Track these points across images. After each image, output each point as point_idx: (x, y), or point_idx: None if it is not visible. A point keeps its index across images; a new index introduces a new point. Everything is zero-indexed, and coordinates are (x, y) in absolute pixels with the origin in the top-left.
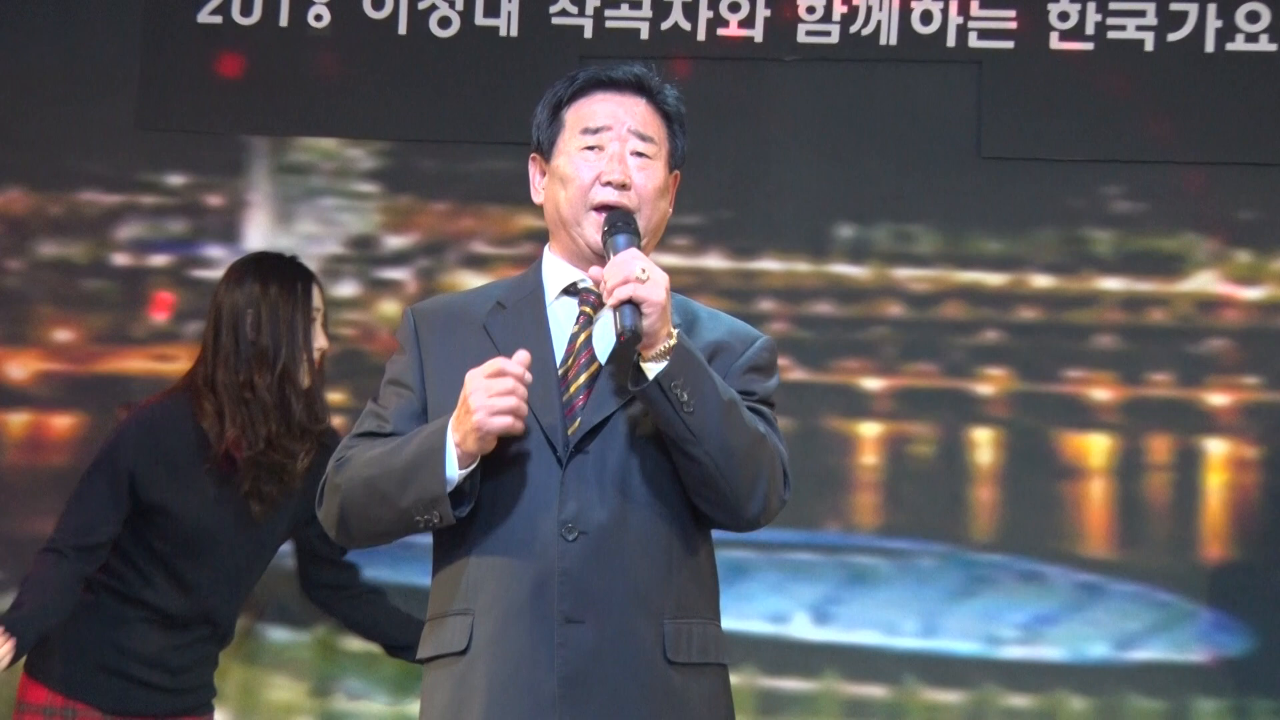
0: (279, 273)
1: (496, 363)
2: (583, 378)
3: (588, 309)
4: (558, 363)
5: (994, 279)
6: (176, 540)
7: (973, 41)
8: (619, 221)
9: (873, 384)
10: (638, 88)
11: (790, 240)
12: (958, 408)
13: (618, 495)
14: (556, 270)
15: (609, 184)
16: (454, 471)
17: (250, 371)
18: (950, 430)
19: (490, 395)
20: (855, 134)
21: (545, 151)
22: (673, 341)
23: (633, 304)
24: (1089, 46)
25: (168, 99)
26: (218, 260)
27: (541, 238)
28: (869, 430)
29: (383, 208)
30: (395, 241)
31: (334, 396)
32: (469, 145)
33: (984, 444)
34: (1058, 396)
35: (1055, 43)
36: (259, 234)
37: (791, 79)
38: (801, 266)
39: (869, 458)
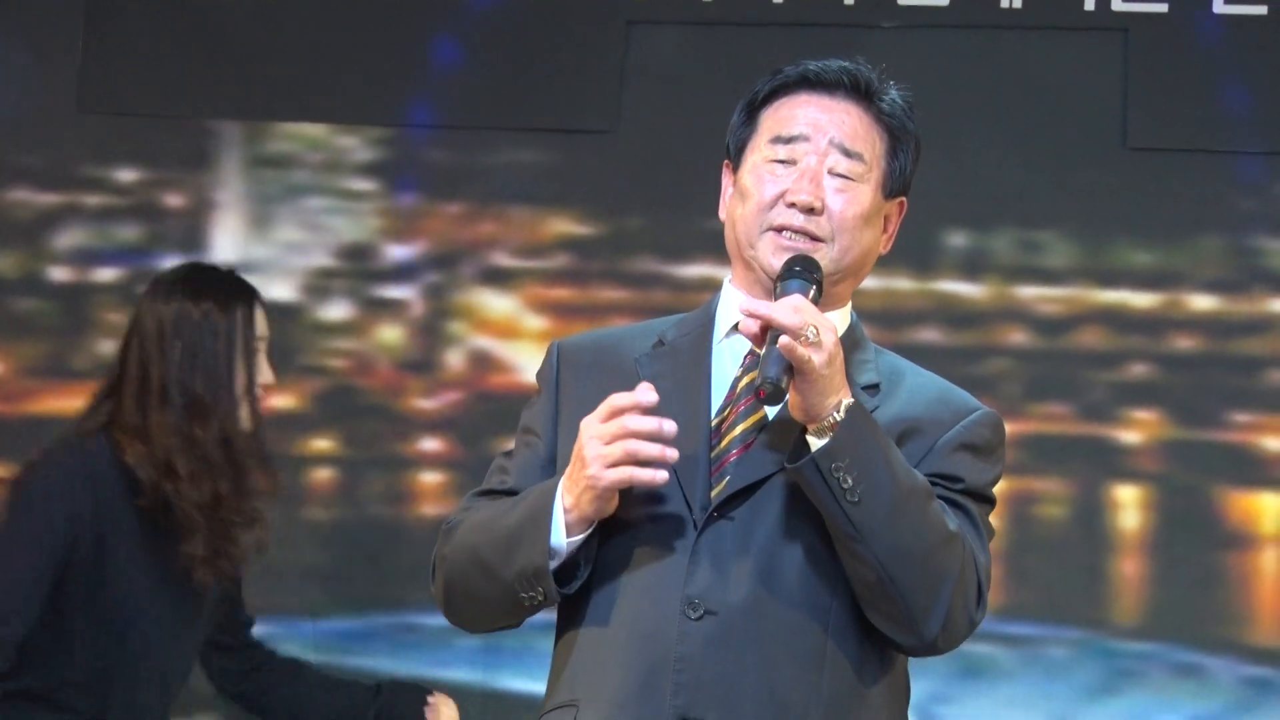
0: (214, 291)
1: (609, 402)
2: (740, 428)
3: (759, 349)
4: (713, 411)
5: (1143, 300)
6: (100, 620)
7: (1117, 4)
8: (798, 265)
9: None
10: (851, 89)
11: (888, 251)
12: (1097, 459)
13: (761, 573)
14: (731, 303)
15: (794, 205)
16: (560, 539)
17: (189, 422)
18: (1087, 487)
19: (605, 443)
20: (970, 119)
21: (735, 159)
22: (840, 415)
23: (783, 360)
24: (1262, 10)
25: (116, 76)
26: None
27: (580, 246)
28: None
29: (382, 210)
30: (397, 251)
31: (321, 443)
32: (489, 133)
33: (1129, 505)
34: (1222, 446)
35: (1220, 5)
36: (229, 242)
37: (891, 50)
38: (902, 284)
39: None
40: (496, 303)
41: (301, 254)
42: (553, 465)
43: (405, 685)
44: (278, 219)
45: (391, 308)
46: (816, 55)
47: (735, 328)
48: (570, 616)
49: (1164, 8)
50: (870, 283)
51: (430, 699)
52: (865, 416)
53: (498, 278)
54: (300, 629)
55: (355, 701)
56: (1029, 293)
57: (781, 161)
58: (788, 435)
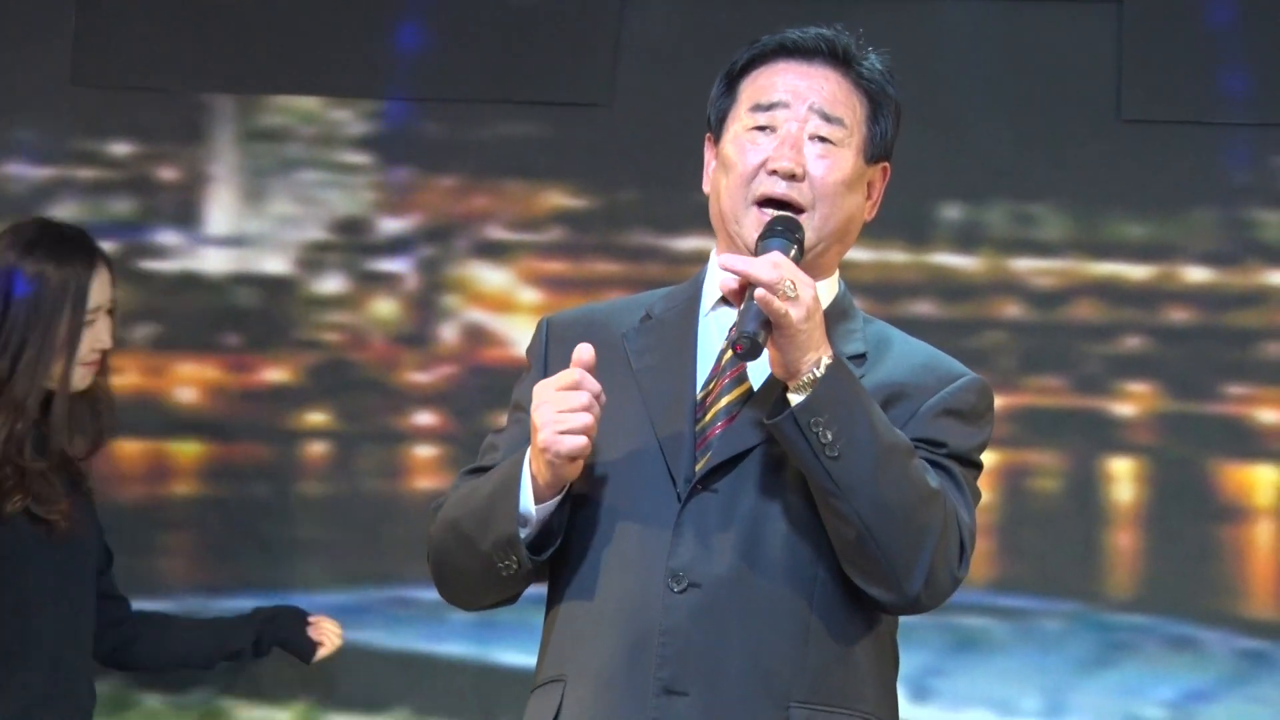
0: (54, 252)
1: (571, 372)
2: (724, 401)
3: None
4: (698, 384)
5: (1137, 272)
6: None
7: None
8: (779, 225)
9: None
10: (830, 56)
11: (882, 224)
12: (1091, 432)
13: (745, 545)
14: (718, 276)
15: (775, 172)
16: (528, 506)
17: (11, 376)
18: (1081, 460)
19: (559, 410)
20: (963, 91)
21: (716, 131)
22: (820, 371)
23: (761, 316)
24: None
25: (110, 49)
26: (172, 248)
27: (575, 219)
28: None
29: (376, 183)
30: (391, 225)
31: (316, 417)
32: (482, 105)
33: (1123, 477)
34: (1216, 418)
35: None
36: (223, 215)
37: (882, 23)
38: (896, 256)
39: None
40: (491, 276)
41: (295, 227)
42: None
43: (283, 610)
44: (271, 192)
45: (385, 281)
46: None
47: (722, 299)
48: (557, 591)
49: None
50: (864, 255)
51: (311, 619)
52: (846, 373)
53: (492, 251)
54: (295, 603)
55: (232, 633)
56: (1023, 265)
57: (762, 129)
58: (764, 407)
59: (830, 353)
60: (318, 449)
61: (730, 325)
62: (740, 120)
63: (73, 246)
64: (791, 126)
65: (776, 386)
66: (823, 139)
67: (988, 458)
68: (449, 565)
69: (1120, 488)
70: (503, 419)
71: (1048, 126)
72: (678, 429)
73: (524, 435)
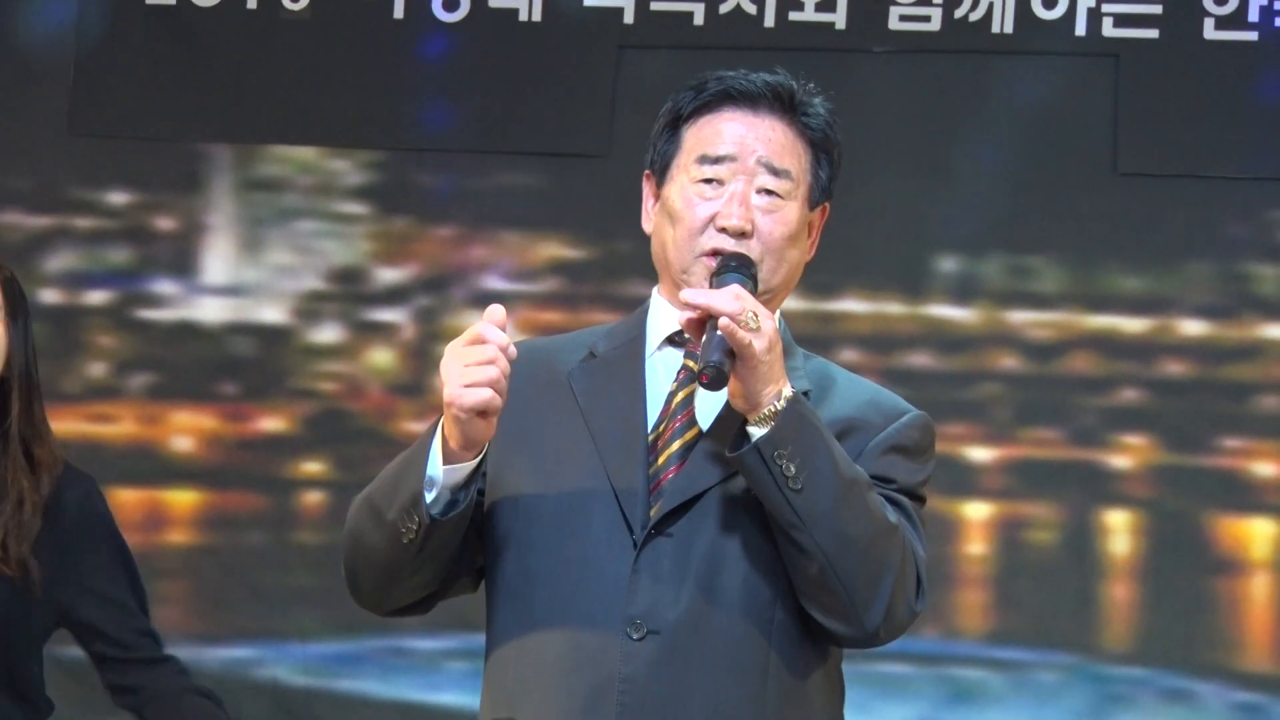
0: None
1: (476, 328)
2: (676, 444)
3: (692, 362)
4: (649, 426)
5: (1133, 325)
6: None
7: (1108, 29)
8: (734, 262)
9: (981, 455)
10: (774, 103)
11: (879, 275)
12: (1087, 485)
13: (702, 590)
14: (661, 315)
15: (724, 230)
16: (436, 469)
17: None
18: (1077, 513)
19: (466, 365)
20: (961, 144)
21: (659, 174)
22: (780, 404)
23: (725, 347)
24: (1251, 36)
25: (108, 98)
26: (169, 297)
27: (571, 270)
28: (976, 512)
29: (373, 233)
30: (388, 275)
31: (312, 466)
32: (480, 156)
33: (1119, 530)
34: (1212, 471)
35: (1210, 31)
36: (220, 264)
37: (882, 75)
38: (893, 308)
39: (976, 546)
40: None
41: (292, 277)
42: (485, 476)
43: None
44: (268, 242)
45: (382, 331)
46: (809, 79)
47: (668, 340)
48: (505, 635)
49: (1155, 34)
50: (860, 306)
51: None
52: (805, 406)
53: (489, 301)
54: (290, 652)
55: None
56: (1019, 317)
57: (709, 180)
58: (723, 443)
59: (789, 385)
60: (314, 498)
61: (678, 366)
62: (687, 171)
63: None
64: (739, 184)
65: (729, 424)
66: (769, 192)
67: (986, 510)
68: (360, 551)
69: (1116, 540)
70: None
71: (1044, 179)
72: (631, 473)
73: None
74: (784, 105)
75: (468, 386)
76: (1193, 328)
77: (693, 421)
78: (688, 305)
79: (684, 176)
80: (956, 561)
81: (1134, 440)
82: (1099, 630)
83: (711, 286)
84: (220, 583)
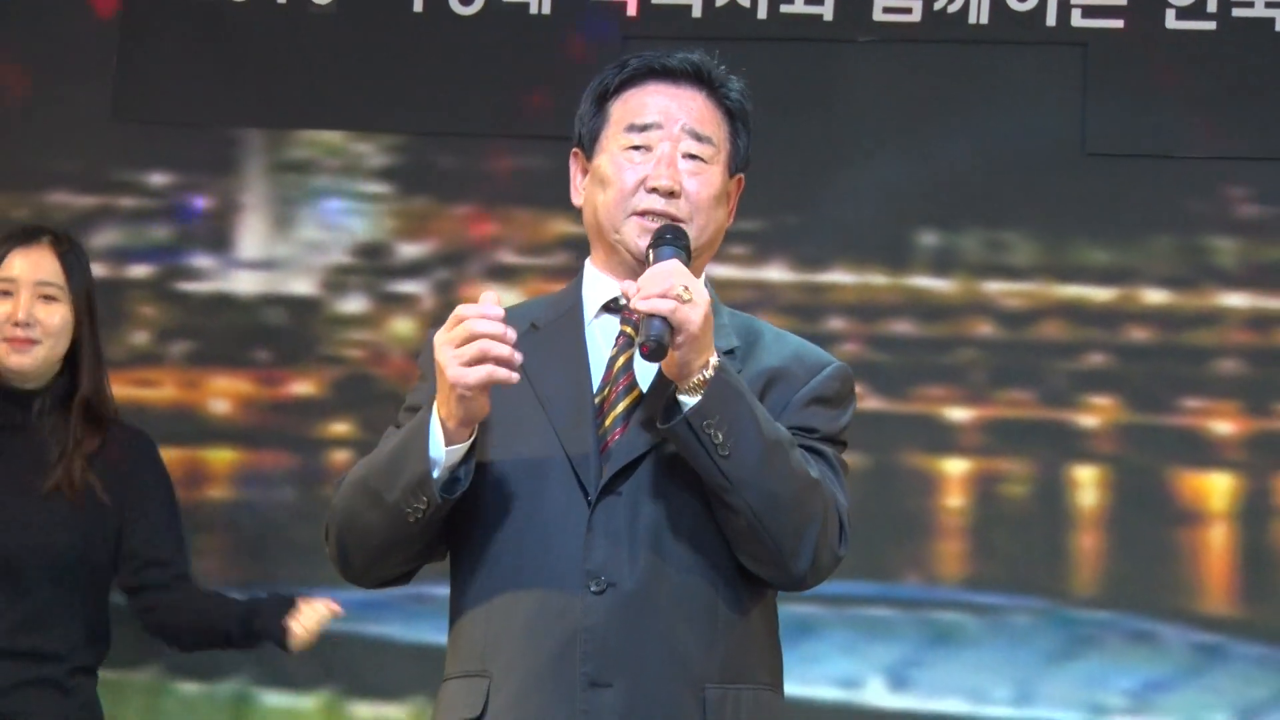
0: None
1: (456, 310)
2: (620, 406)
3: (629, 328)
4: (594, 389)
5: (1100, 294)
6: None
7: (1077, 20)
8: (669, 234)
9: (959, 414)
10: (696, 79)
11: (864, 249)
12: (1057, 442)
13: (652, 543)
14: (596, 285)
15: (654, 190)
16: (439, 450)
17: None
18: (1048, 468)
19: (456, 347)
20: (940, 127)
21: (587, 148)
22: (709, 373)
23: (664, 320)
24: (1210, 26)
25: (149, 86)
26: (206, 271)
27: (579, 245)
28: (954, 468)
29: (395, 211)
30: (409, 250)
31: (339, 427)
32: (494, 140)
33: (1087, 484)
34: (1173, 430)
35: (1171, 21)
36: (253, 240)
37: (866, 63)
38: (877, 279)
39: (954, 499)
40: (501, 297)
41: (320, 252)
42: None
43: (265, 601)
44: (298, 220)
45: (404, 302)
46: (799, 67)
47: (604, 307)
48: (471, 591)
49: (1120, 23)
50: (846, 278)
51: (299, 603)
52: (731, 375)
53: (502, 274)
54: (320, 597)
55: (223, 614)
56: (994, 288)
57: (637, 148)
58: (654, 412)
59: (717, 355)
60: (341, 456)
61: (615, 333)
62: (615, 140)
63: (15, 229)
64: (665, 147)
65: (663, 390)
66: (694, 156)
67: (963, 465)
68: (353, 528)
69: (1084, 493)
70: None
71: (1018, 159)
72: (582, 436)
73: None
74: (702, 80)
75: (466, 365)
76: (1155, 297)
77: (634, 384)
78: (635, 293)
79: (613, 145)
80: (936, 513)
81: (1101, 401)
82: (1068, 577)
83: (648, 259)
84: (256, 535)
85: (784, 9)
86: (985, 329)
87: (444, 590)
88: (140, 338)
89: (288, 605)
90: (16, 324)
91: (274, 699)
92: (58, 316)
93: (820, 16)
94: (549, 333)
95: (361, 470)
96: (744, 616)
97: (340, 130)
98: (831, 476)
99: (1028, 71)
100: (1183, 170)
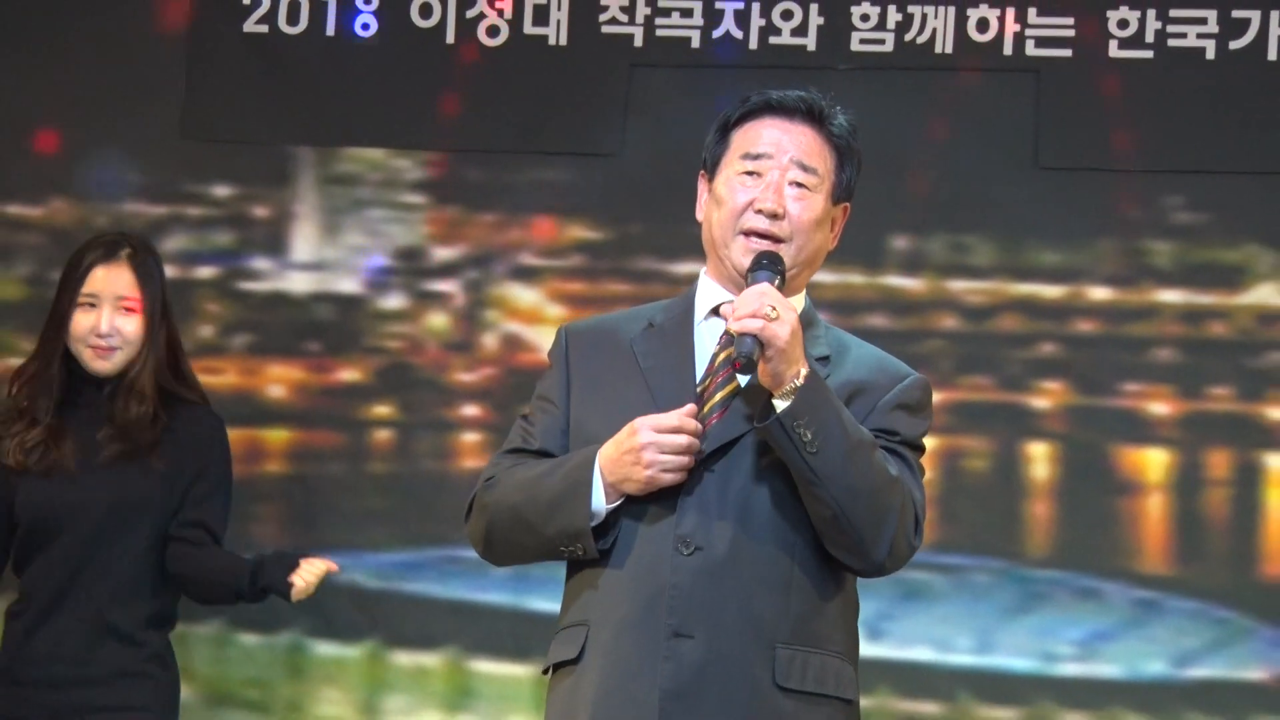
0: (77, 250)
1: (674, 418)
2: (719, 395)
3: (731, 329)
4: (697, 380)
5: (1051, 291)
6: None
7: (1030, 49)
8: (765, 260)
9: None
10: (807, 115)
11: (843, 252)
12: (1014, 421)
13: (738, 517)
14: (708, 292)
15: (761, 211)
16: (600, 505)
17: (39, 348)
18: (1006, 444)
19: (663, 452)
20: (910, 144)
21: (710, 171)
22: (800, 381)
23: (754, 337)
24: (1149, 55)
25: (213, 108)
26: (264, 272)
27: (593, 249)
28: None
29: (430, 219)
30: (443, 253)
31: (381, 409)
32: (517, 155)
33: (1040, 458)
34: (1115, 410)
35: (1114, 51)
36: (305, 245)
37: (845, 88)
38: (855, 279)
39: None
40: (524, 295)
41: (364, 255)
42: (568, 431)
43: (270, 557)
44: (345, 227)
45: (438, 299)
46: (780, 89)
47: (713, 311)
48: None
49: (1069, 53)
50: (828, 278)
51: (302, 560)
52: (820, 382)
53: (525, 274)
54: (364, 560)
55: (232, 569)
56: (958, 286)
57: (750, 174)
58: (756, 400)
59: (808, 365)
60: (383, 435)
61: (720, 332)
62: (732, 165)
63: (87, 246)
64: (774, 175)
65: (762, 390)
66: (800, 185)
67: (930, 442)
68: (503, 538)
69: (1037, 467)
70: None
71: (978, 172)
72: None
73: (554, 424)
74: (814, 116)
75: (666, 471)
76: (1100, 293)
77: (731, 378)
78: (731, 313)
79: (729, 170)
80: None
81: (1052, 385)
82: (1023, 540)
83: (747, 280)
84: (307, 505)
85: (772, 40)
86: (950, 322)
87: (473, 553)
88: (206, 331)
89: (291, 562)
90: (100, 335)
91: (324, 648)
92: (134, 325)
93: (804, 47)
94: (663, 331)
95: (514, 495)
96: (817, 588)
97: (382, 148)
98: (909, 475)
99: (986, 95)
100: (1124, 182)
